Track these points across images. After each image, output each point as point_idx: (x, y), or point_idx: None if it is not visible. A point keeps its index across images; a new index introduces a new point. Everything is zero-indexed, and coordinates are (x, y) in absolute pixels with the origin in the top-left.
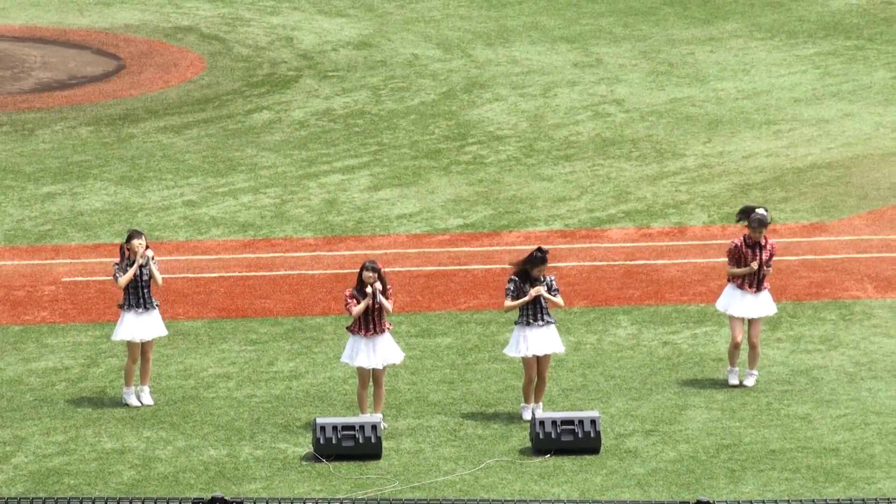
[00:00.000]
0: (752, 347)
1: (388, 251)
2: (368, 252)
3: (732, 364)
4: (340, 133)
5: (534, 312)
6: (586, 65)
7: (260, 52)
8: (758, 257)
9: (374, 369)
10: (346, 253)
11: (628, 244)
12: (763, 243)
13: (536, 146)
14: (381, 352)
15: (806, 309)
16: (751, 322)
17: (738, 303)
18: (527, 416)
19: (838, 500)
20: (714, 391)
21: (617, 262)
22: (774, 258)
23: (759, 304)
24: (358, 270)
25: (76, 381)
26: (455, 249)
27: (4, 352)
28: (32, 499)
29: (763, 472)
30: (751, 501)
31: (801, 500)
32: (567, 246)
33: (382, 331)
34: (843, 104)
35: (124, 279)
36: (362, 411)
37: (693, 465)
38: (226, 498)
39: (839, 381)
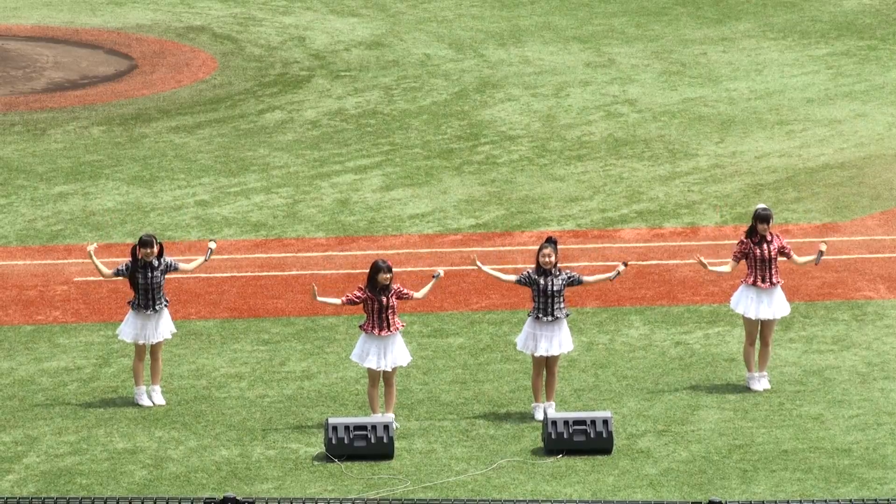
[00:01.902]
0: (765, 346)
1: (401, 251)
2: (381, 252)
3: (750, 368)
4: (353, 133)
5: (544, 306)
6: (599, 65)
7: (272, 52)
8: (764, 252)
9: (383, 370)
10: (359, 253)
11: (640, 244)
12: (769, 238)
13: (549, 146)
14: (391, 353)
15: (818, 309)
16: (764, 321)
17: (752, 304)
18: (538, 415)
19: (850, 500)
20: (726, 391)
21: (629, 262)
22: (790, 249)
23: (774, 306)
24: (368, 271)
25: (88, 381)
26: (467, 249)
27: (16, 351)
28: (44, 499)
29: (775, 472)
30: (763, 502)
31: (813, 501)
32: (579, 246)
33: (395, 330)
34: (856, 104)
35: (104, 273)
36: (374, 411)
37: (705, 466)
38: (238, 498)
39: (851, 381)
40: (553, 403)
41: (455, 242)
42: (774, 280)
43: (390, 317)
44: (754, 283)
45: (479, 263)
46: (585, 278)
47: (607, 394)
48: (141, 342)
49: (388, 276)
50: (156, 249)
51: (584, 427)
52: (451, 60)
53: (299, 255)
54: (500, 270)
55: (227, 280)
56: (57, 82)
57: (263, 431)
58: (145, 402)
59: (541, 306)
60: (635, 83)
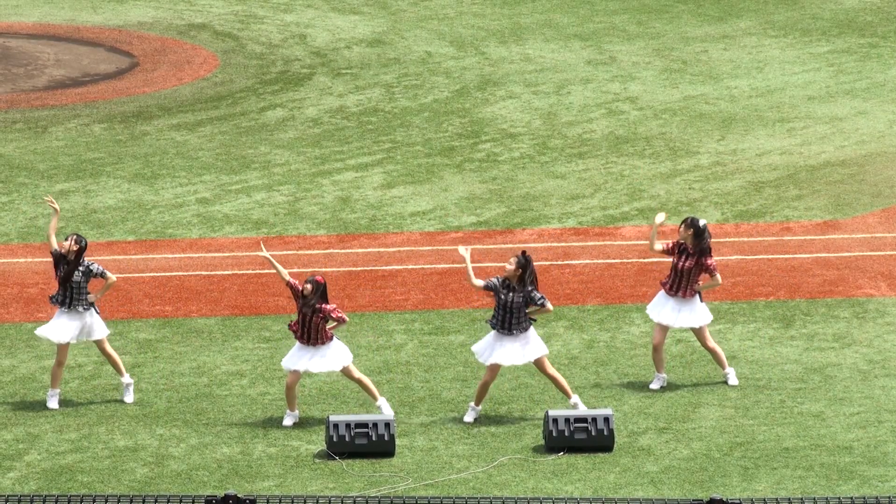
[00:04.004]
0: (710, 352)
1: (402, 249)
2: (382, 249)
3: (658, 369)
4: (354, 131)
5: (502, 319)
6: (600, 62)
7: (273, 50)
8: (679, 262)
9: (343, 368)
10: (360, 251)
11: (642, 242)
12: (691, 251)
13: (550, 144)
14: (322, 358)
15: (819, 307)
16: (692, 330)
17: (660, 307)
18: (468, 418)
19: (852, 498)
20: (727, 389)
21: (630, 260)
22: (709, 272)
23: (682, 315)
24: (370, 268)
25: (89, 379)
26: (468, 247)
27: (18, 349)
28: (45, 497)
29: (776, 469)
30: (764, 499)
31: (814, 498)
32: (580, 244)
33: (323, 342)
34: (857, 102)
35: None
36: (291, 409)
37: (706, 463)
38: (239, 495)
39: (852, 378)
40: (577, 397)
41: (456, 240)
42: (685, 294)
43: (313, 331)
44: (668, 289)
45: (462, 250)
46: (546, 307)
47: (608, 391)
48: (65, 340)
49: (309, 287)
50: (73, 246)
51: (585, 425)
52: (452, 58)
53: (300, 252)
54: (475, 272)
55: (229, 277)
56: (58, 80)
57: (265, 429)
58: (53, 405)
59: (499, 318)
60: (636, 81)
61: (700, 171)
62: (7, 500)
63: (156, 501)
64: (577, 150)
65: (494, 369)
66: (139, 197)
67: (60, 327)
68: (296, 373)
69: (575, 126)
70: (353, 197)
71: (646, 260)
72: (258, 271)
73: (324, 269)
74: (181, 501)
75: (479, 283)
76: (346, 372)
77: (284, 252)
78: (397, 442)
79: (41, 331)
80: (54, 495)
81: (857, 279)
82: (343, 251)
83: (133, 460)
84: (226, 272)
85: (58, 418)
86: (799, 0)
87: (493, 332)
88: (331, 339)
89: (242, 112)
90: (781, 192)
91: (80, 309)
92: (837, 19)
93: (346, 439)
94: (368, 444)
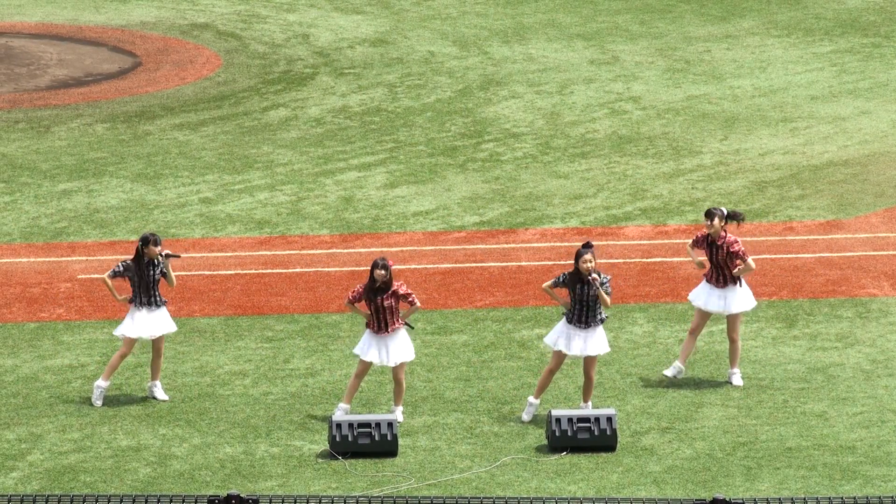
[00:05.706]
0: (730, 342)
1: (405, 248)
2: (385, 249)
3: (682, 358)
4: (357, 130)
5: (578, 314)
6: (603, 62)
7: (276, 50)
8: (713, 255)
9: (392, 366)
10: (363, 250)
11: (644, 241)
12: (719, 242)
13: (553, 143)
14: (394, 350)
15: (822, 306)
16: (727, 316)
17: (706, 295)
18: (527, 415)
19: (854, 498)
20: (730, 389)
21: (633, 260)
22: (739, 258)
23: (728, 301)
24: (370, 268)
25: (92, 379)
26: (471, 247)
27: (20, 349)
28: (48, 496)
29: (779, 469)
30: (767, 499)
31: (817, 498)
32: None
33: (395, 329)
34: (860, 102)
35: (113, 291)
36: (346, 401)
37: (709, 463)
38: (241, 495)
39: (855, 378)
40: (590, 405)
41: (459, 240)
42: (726, 284)
43: (387, 319)
44: (710, 281)
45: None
46: (605, 295)
47: (611, 391)
48: (146, 336)
49: (382, 272)
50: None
51: (588, 424)
52: (455, 58)
53: (303, 252)
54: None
55: (232, 277)
56: (61, 80)
57: (267, 429)
58: (97, 402)
59: (575, 313)
60: (639, 80)
61: (703, 170)
62: (10, 501)
63: (158, 501)
64: (580, 149)
65: (560, 357)
66: (142, 197)
67: (145, 324)
68: (367, 366)
69: (578, 126)
70: (355, 197)
71: (648, 260)
72: (261, 271)
73: (327, 269)
74: (184, 501)
75: (549, 283)
76: (400, 368)
77: (287, 252)
78: (400, 442)
79: (128, 331)
80: (57, 495)
81: (860, 279)
82: (346, 251)
83: (136, 460)
84: (228, 272)
85: (60, 418)
86: (802, 0)
87: (565, 325)
88: (398, 327)
89: (245, 112)
90: (784, 192)
91: (160, 304)
92: (840, 19)
93: (349, 439)
94: (371, 444)
